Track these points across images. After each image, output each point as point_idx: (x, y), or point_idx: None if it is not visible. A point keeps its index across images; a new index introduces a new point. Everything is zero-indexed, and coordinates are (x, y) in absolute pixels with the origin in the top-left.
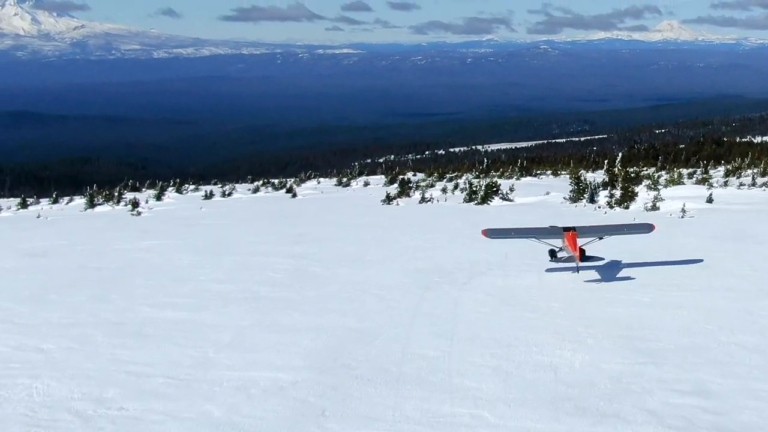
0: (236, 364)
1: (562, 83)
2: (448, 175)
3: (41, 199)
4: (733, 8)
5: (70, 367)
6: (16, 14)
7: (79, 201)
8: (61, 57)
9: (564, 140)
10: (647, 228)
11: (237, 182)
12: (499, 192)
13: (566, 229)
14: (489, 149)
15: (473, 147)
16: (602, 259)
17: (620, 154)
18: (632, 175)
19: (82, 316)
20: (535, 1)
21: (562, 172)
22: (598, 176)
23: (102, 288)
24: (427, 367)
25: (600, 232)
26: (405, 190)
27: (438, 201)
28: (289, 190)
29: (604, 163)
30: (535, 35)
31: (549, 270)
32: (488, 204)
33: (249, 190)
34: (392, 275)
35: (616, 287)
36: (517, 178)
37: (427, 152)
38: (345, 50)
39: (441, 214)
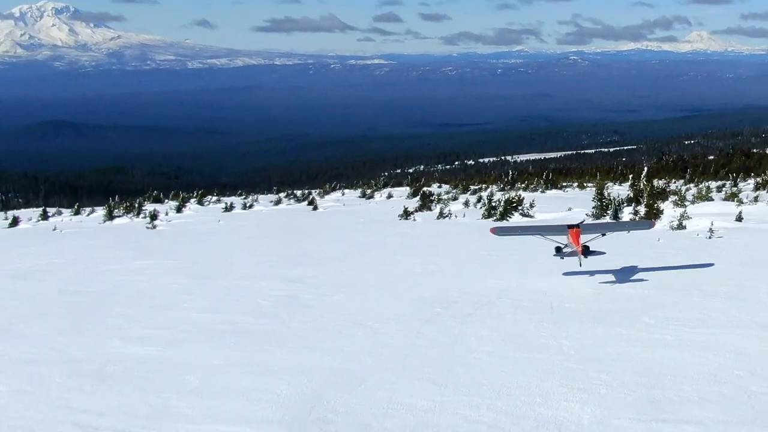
0: (198, 415)
1: (591, 94)
2: (472, 188)
3: (63, 210)
4: (763, 19)
5: (12, 416)
6: (53, 25)
7: (101, 212)
8: (97, 67)
9: (593, 151)
10: (647, 225)
11: (265, 192)
12: (519, 207)
13: (570, 226)
14: (518, 160)
15: (502, 157)
16: (603, 253)
17: (646, 169)
18: (658, 190)
19: (44, 352)
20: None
21: (589, 185)
22: (625, 189)
23: (75, 317)
24: (414, 422)
25: (603, 228)
26: (426, 203)
27: (456, 216)
28: (311, 203)
29: (630, 175)
30: (565, 46)
31: (561, 296)
32: (507, 220)
33: (271, 202)
34: (391, 304)
35: (636, 322)
36: (542, 191)
37: (456, 162)
38: (376, 61)
39: (456, 231)
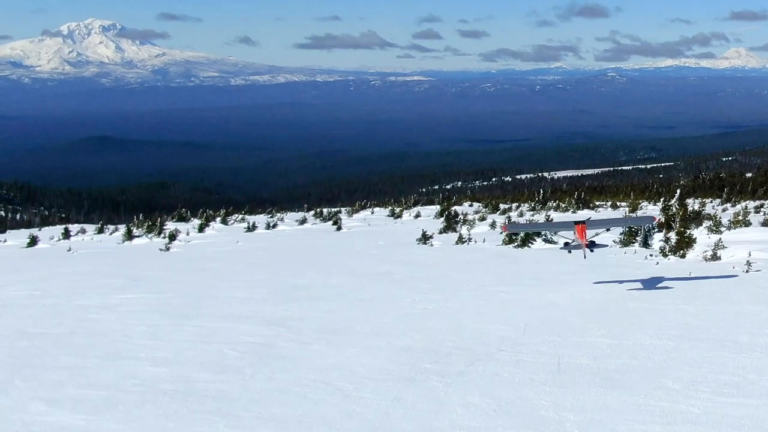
0: None
1: (629, 110)
2: (502, 206)
3: (88, 228)
4: None
5: None
6: (101, 42)
7: (123, 232)
8: (142, 84)
9: (630, 167)
10: (649, 220)
11: (301, 209)
12: (542, 233)
13: (576, 223)
14: (555, 176)
15: (539, 174)
16: (606, 245)
17: (678, 191)
18: (691, 215)
19: None
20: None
21: (622, 204)
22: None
23: (13, 368)
24: None
25: (606, 224)
26: (450, 224)
27: (476, 241)
28: (335, 223)
29: (666, 194)
30: (603, 62)
31: (572, 347)
32: (529, 246)
33: (297, 221)
34: (375, 357)
35: (657, 386)
36: (574, 211)
37: (494, 179)
38: (416, 77)
39: (471, 260)
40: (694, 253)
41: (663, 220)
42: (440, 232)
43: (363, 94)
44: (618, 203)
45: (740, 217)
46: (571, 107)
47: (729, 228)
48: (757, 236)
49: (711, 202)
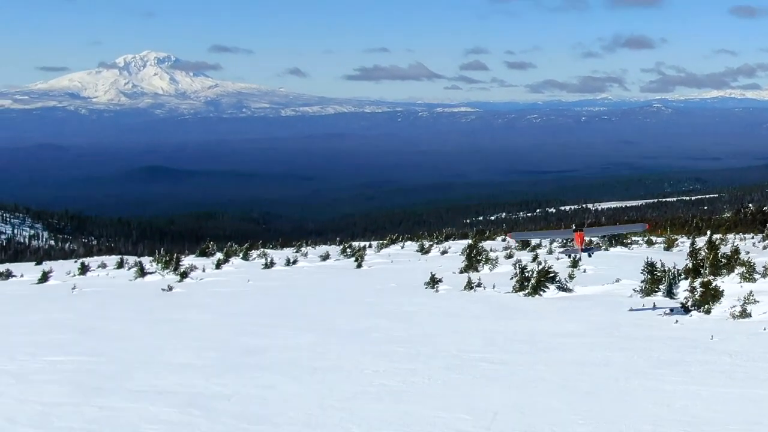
0: None
1: (674, 141)
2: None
3: (109, 262)
4: None
5: None
6: (155, 74)
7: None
8: (195, 115)
9: (674, 199)
10: (641, 227)
11: (336, 242)
12: (556, 280)
13: (575, 230)
14: (599, 208)
15: (584, 205)
16: (600, 248)
17: (709, 232)
18: (723, 260)
19: None
20: (648, 60)
21: (658, 240)
22: (703, 243)
23: None
24: None
25: (602, 231)
26: (472, 263)
27: (484, 288)
28: (357, 260)
29: (705, 229)
30: (648, 93)
31: None
32: (540, 295)
33: (320, 256)
34: None
35: None
36: (606, 248)
37: (538, 210)
38: (463, 108)
39: (468, 313)
40: (720, 308)
41: (690, 265)
42: (460, 272)
43: (411, 125)
44: (653, 239)
45: None
46: (617, 138)
47: (765, 275)
48: None
49: (752, 237)
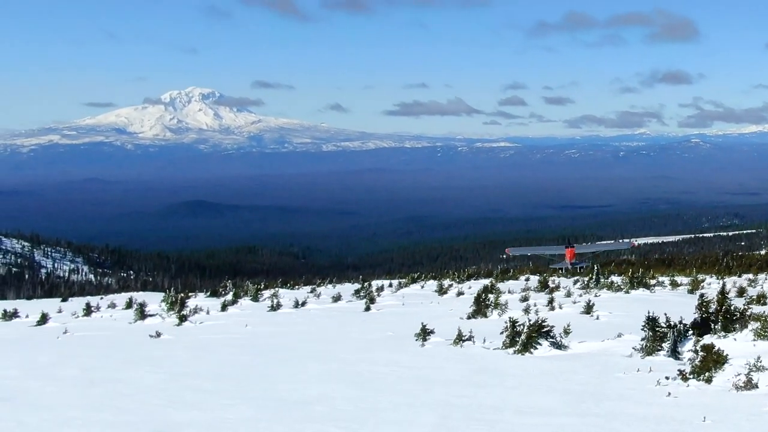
0: None
1: (712, 176)
2: (552, 283)
3: (119, 301)
4: None
5: None
6: (200, 110)
7: (150, 308)
8: (238, 150)
9: (711, 235)
10: (626, 244)
11: (386, 275)
12: (550, 335)
13: (567, 246)
14: (636, 243)
15: (620, 240)
16: (588, 263)
17: (721, 283)
18: (735, 314)
19: None
20: (685, 95)
21: (683, 282)
22: (732, 285)
23: None
24: None
25: (591, 249)
26: (481, 308)
27: (474, 342)
28: (371, 301)
29: (737, 268)
30: (686, 128)
31: None
32: (531, 353)
33: (332, 297)
34: None
35: None
36: (626, 291)
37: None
38: (502, 143)
39: (441, 377)
40: (724, 376)
41: (699, 319)
42: (468, 317)
43: (450, 160)
44: (678, 280)
45: None
46: (655, 173)
47: None
48: None
49: None
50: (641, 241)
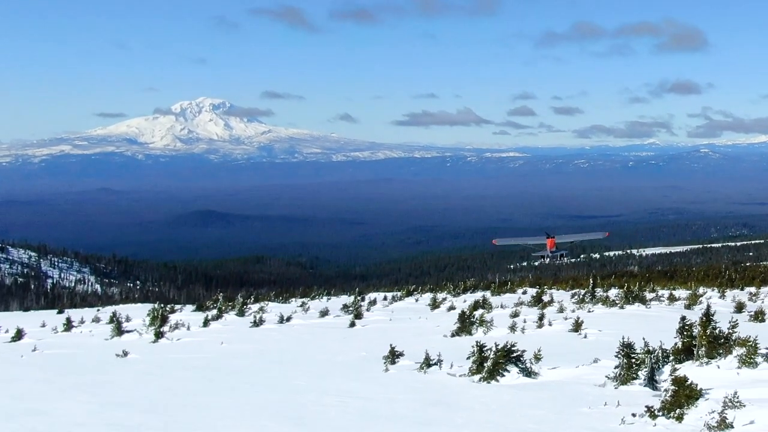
0: None
1: (722, 186)
2: (546, 297)
3: (104, 315)
4: None
5: None
6: (210, 120)
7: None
8: (249, 160)
9: (719, 245)
10: (600, 234)
11: (393, 285)
12: (520, 361)
13: (547, 237)
14: (644, 253)
15: (628, 251)
16: (567, 251)
17: (707, 303)
18: (720, 338)
19: None
20: (694, 105)
21: (681, 297)
22: (727, 303)
23: None
24: None
25: (569, 238)
26: (465, 326)
27: (440, 367)
28: (356, 316)
29: (740, 281)
30: (695, 138)
31: None
32: (497, 380)
33: (320, 312)
34: None
35: None
36: (621, 307)
37: (582, 256)
38: (511, 153)
39: (388, 412)
40: (697, 413)
41: (680, 345)
42: (452, 335)
43: (459, 170)
44: (676, 294)
45: None
46: (664, 183)
47: None
48: None
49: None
50: (649, 251)
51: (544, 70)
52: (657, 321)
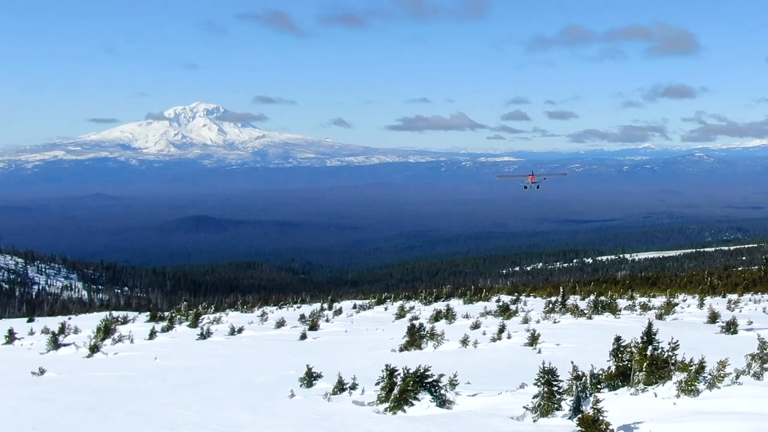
0: None
1: (716, 190)
2: (520, 303)
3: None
4: None
5: None
6: (204, 125)
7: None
8: (243, 165)
9: (713, 249)
10: (563, 174)
11: (384, 291)
12: (435, 387)
13: (530, 174)
14: (636, 258)
15: (621, 255)
16: (539, 183)
17: (650, 324)
18: (660, 361)
19: None
20: (688, 109)
21: (656, 304)
22: (708, 308)
23: None
24: None
25: (543, 175)
26: (414, 340)
27: (352, 391)
28: (311, 328)
29: (722, 289)
30: (690, 143)
31: None
32: (404, 410)
33: (276, 322)
34: None
35: None
36: (589, 317)
37: (574, 260)
38: (506, 158)
39: None
40: None
41: (613, 370)
42: (401, 350)
43: (454, 175)
44: (650, 303)
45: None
46: (659, 187)
47: (713, 385)
48: (752, 406)
49: None
50: (642, 256)
51: (537, 75)
52: (623, 332)
